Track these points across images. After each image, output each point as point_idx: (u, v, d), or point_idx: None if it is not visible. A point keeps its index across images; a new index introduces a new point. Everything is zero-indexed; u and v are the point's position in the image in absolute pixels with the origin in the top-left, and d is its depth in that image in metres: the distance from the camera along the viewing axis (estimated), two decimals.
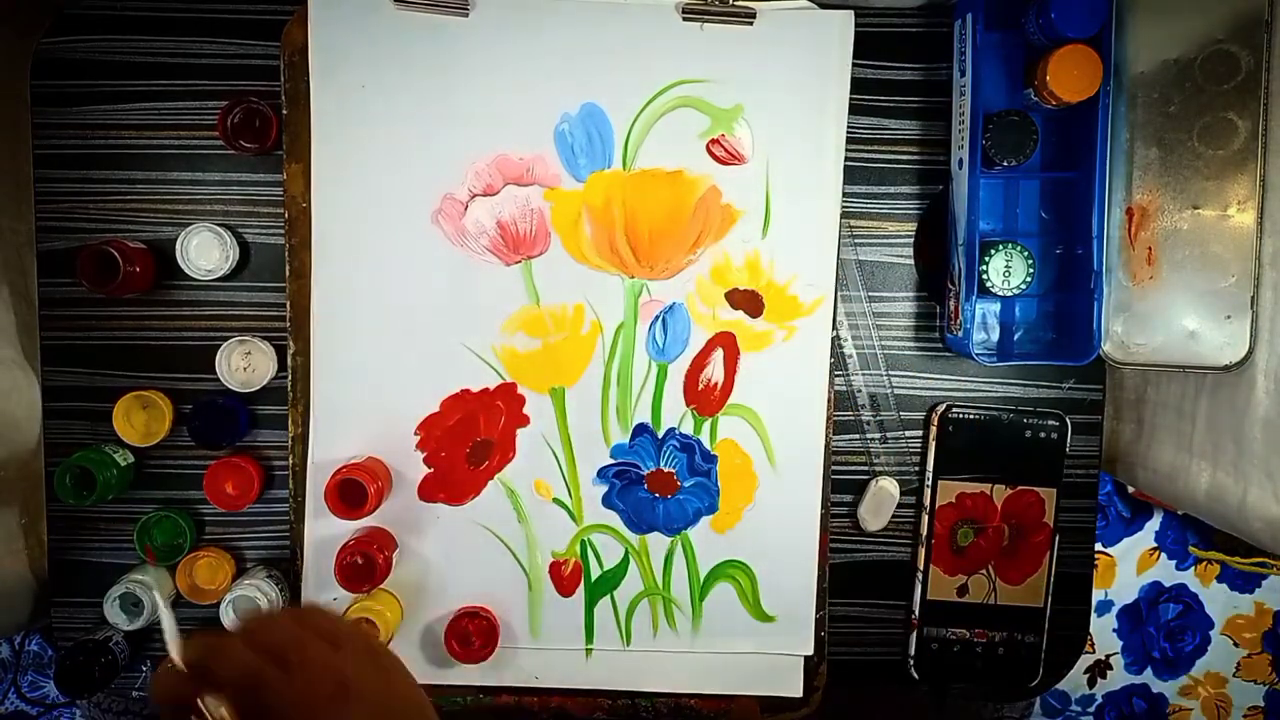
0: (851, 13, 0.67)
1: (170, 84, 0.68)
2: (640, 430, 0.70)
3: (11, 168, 0.69)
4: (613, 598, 0.71)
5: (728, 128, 0.68)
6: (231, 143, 0.66)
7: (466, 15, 0.66)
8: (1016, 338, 0.70)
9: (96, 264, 0.64)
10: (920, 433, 0.73)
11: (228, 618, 0.67)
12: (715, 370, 0.70)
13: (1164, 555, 1.29)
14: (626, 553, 0.71)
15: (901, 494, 0.73)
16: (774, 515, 0.71)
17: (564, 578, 0.71)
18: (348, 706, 0.46)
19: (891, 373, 0.73)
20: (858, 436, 0.73)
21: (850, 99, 0.68)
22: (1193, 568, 1.29)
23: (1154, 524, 1.28)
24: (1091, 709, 1.32)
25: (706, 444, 0.70)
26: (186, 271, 0.67)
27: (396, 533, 0.69)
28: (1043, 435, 0.72)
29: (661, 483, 0.70)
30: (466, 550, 0.70)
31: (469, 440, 0.69)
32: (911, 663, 0.74)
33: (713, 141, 0.68)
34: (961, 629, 0.73)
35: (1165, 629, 1.31)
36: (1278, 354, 0.64)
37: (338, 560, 0.66)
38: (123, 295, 0.67)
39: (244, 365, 0.68)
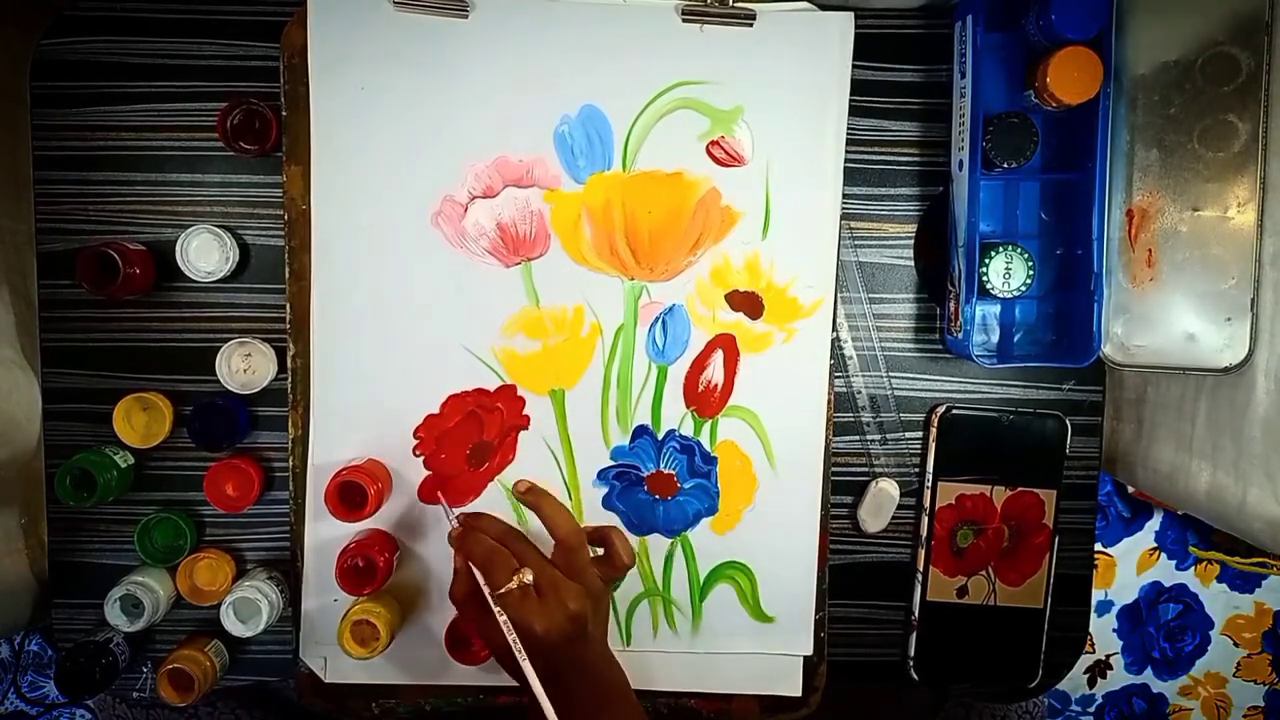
0: (852, 14, 0.67)
1: (170, 85, 0.68)
2: (640, 432, 0.70)
3: (11, 168, 0.69)
4: (613, 599, 0.71)
5: (727, 129, 0.68)
6: (231, 144, 0.66)
7: (466, 17, 0.66)
8: (1016, 339, 0.70)
9: (96, 266, 0.64)
10: (920, 434, 0.73)
11: (228, 620, 0.67)
12: (715, 372, 0.70)
13: (1164, 555, 1.29)
14: None
15: (901, 495, 0.73)
16: (774, 517, 0.71)
17: None
18: (586, 642, 0.58)
19: (891, 374, 0.73)
20: (858, 438, 0.73)
21: (850, 100, 0.68)
22: (1193, 568, 1.29)
23: (1154, 524, 1.28)
24: (1091, 709, 1.32)
25: (706, 446, 0.70)
26: (186, 273, 0.67)
27: (397, 534, 0.69)
28: (1042, 437, 0.72)
29: (662, 484, 0.70)
30: None
31: (469, 442, 0.69)
32: (911, 664, 0.74)
33: (713, 143, 0.68)
34: (961, 630, 0.73)
35: (1165, 629, 1.31)
36: (1278, 355, 0.64)
37: (339, 563, 0.66)
38: (122, 297, 0.67)
39: (244, 367, 0.68)
